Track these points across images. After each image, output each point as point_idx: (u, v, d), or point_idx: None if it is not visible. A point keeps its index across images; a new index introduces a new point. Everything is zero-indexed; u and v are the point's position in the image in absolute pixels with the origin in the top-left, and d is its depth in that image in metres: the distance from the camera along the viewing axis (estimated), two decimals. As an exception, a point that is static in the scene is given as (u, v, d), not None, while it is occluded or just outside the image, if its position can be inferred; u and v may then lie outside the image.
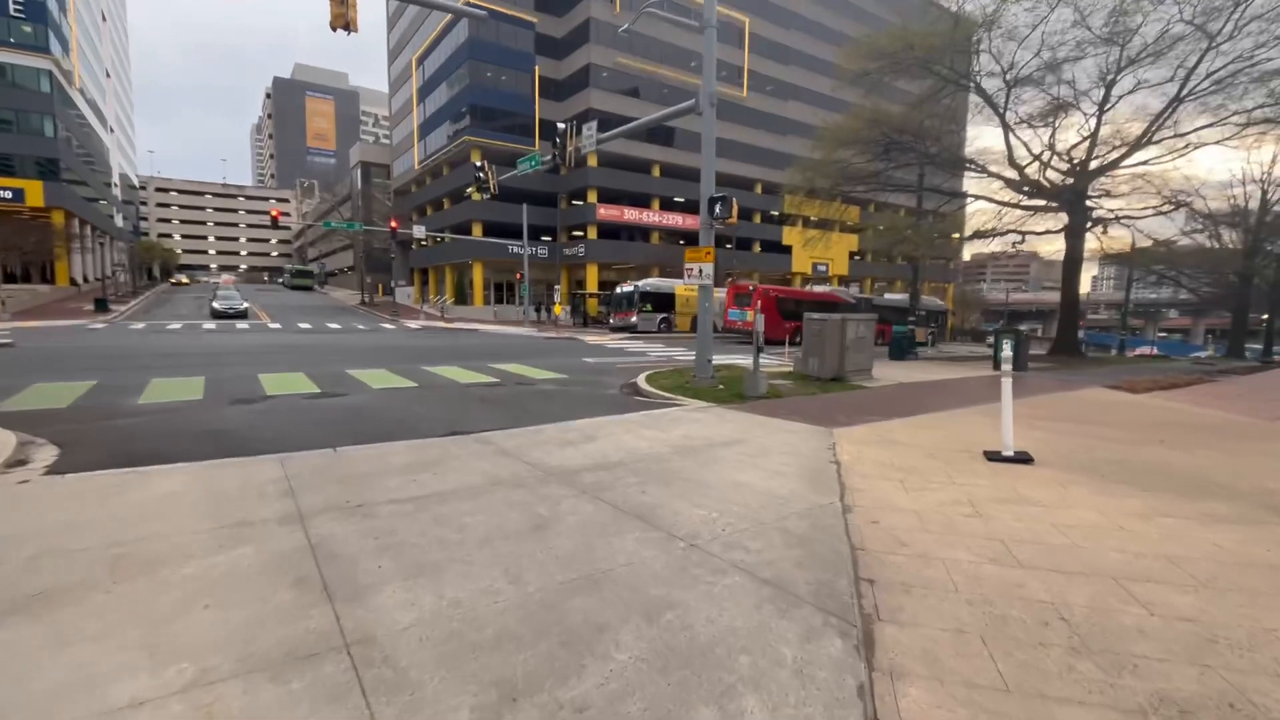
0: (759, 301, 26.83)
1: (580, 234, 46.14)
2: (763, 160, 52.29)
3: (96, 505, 4.30)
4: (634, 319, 30.95)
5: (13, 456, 5.59)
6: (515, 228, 38.43)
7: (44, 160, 42.10)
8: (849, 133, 21.27)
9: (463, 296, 46.33)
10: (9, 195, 39.51)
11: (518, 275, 38.46)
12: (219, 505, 4.37)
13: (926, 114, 22.37)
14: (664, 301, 31.94)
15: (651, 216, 47.03)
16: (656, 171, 47.85)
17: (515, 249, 38.55)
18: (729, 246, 50.68)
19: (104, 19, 65.66)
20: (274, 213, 28.47)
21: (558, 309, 29.14)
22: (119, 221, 67.25)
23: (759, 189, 53.43)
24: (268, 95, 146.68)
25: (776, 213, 52.38)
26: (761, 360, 16.29)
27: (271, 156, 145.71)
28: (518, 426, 7.61)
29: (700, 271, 10.67)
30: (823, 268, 55.25)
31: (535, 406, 9.45)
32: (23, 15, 40.91)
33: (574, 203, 46.40)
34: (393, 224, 32.38)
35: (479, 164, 18.20)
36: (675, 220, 48.26)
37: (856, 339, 12.09)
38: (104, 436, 6.81)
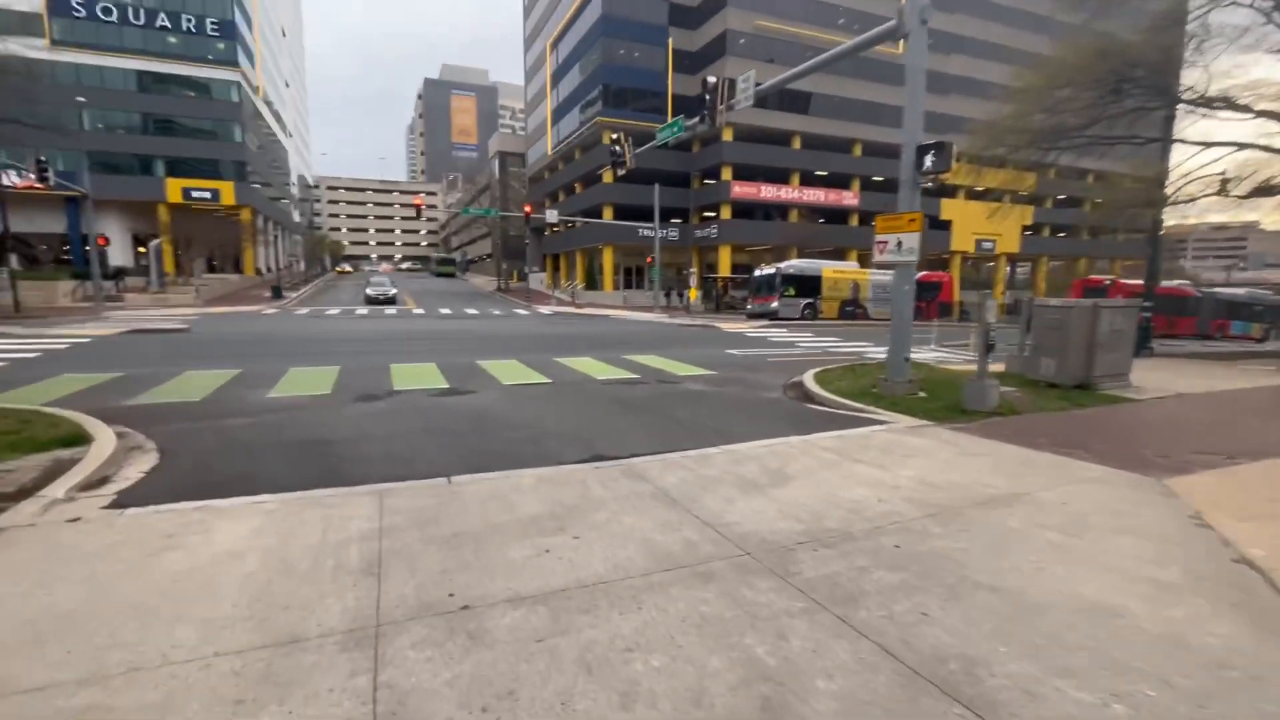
0: (1118, 298, 25.11)
1: (713, 214, 43.85)
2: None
3: (128, 575, 3.08)
4: (774, 304, 28.30)
5: (95, 474, 4.75)
6: (646, 210, 37.05)
7: (235, 163, 47.45)
8: (1064, 73, 17.06)
9: (593, 281, 46.06)
10: (208, 195, 44.92)
11: (648, 259, 37.12)
12: (277, 586, 2.98)
13: (1167, 42, 17.46)
14: (808, 285, 28.91)
15: (790, 193, 43.53)
16: (796, 143, 44.15)
17: (645, 232, 37.23)
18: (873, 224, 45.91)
19: (284, 34, 73.34)
20: (417, 201, 29.30)
21: (693, 293, 27.12)
22: (296, 217, 75.43)
23: (914, 158, 47.70)
24: (419, 97, 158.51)
25: (932, 183, 46.53)
26: (956, 358, 13.36)
27: (422, 153, 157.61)
28: (672, 449, 5.85)
29: (899, 245, 8.22)
30: (989, 244, 48.41)
31: (686, 414, 7.65)
32: (217, 34, 46.11)
33: (706, 181, 44.13)
34: (527, 209, 32.28)
35: (615, 137, 16.74)
36: (817, 196, 44.38)
37: (1111, 334, 8.97)
38: (210, 442, 5.99)
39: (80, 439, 5.58)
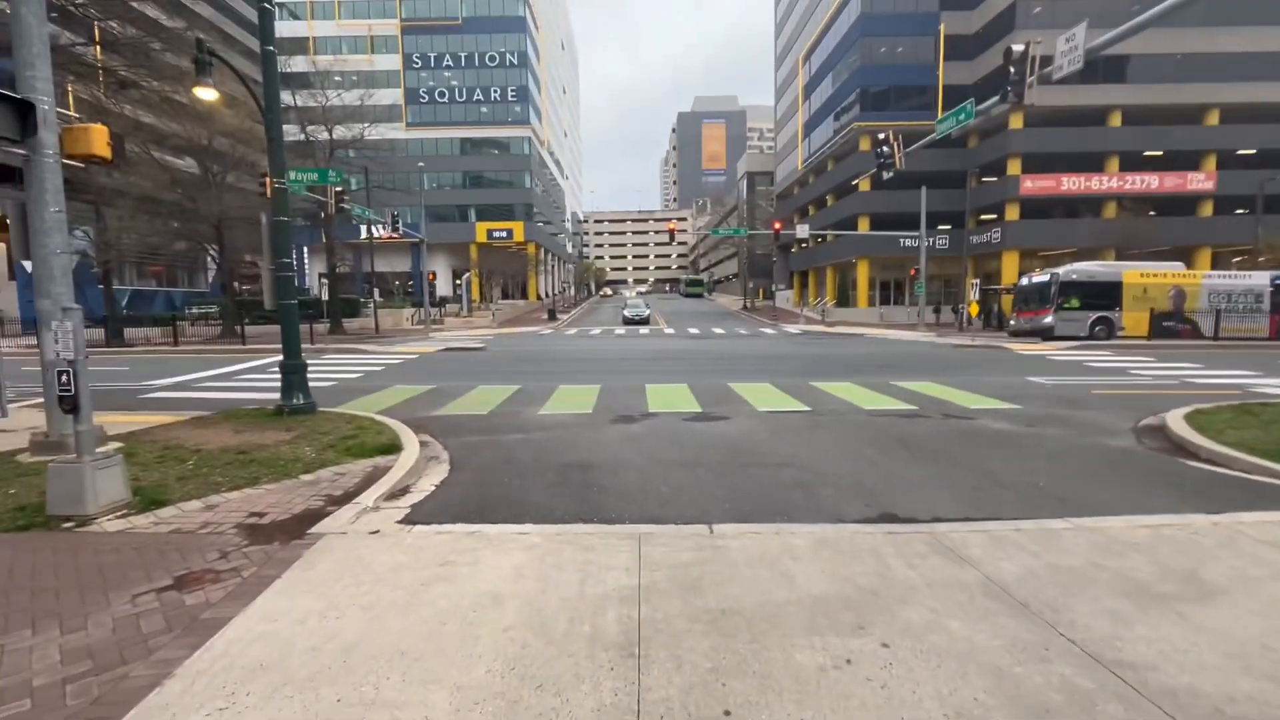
0: None
1: (994, 216, 37.86)
2: (1318, 72, 34.00)
3: (403, 607, 3.05)
4: (1048, 319, 22.81)
5: (399, 484, 5.23)
6: (908, 218, 33.53)
7: (524, 206, 55.94)
8: None
9: (844, 298, 43.21)
10: (505, 235, 53.73)
11: (911, 271, 33.42)
12: (532, 652, 2.63)
13: None
14: (1101, 294, 22.66)
15: (1106, 182, 35.36)
16: (1115, 119, 35.80)
17: (908, 242, 33.59)
18: (1243, 212, 34.73)
19: (564, 91, 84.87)
20: (670, 226, 30.72)
21: (973, 308, 22.79)
22: (569, 249, 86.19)
23: (1311, 117, 35.12)
24: (673, 130, 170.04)
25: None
26: None
27: (675, 182, 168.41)
28: (989, 515, 4.48)
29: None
30: None
31: (996, 465, 6.00)
32: (515, 99, 55.22)
33: (986, 179, 38.30)
34: (775, 226, 31.56)
35: (883, 137, 15.05)
36: (1147, 182, 35.31)
37: None
38: (490, 457, 6.39)
39: (394, 447, 6.34)
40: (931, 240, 33.43)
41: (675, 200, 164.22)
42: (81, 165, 5.95)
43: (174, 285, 41.45)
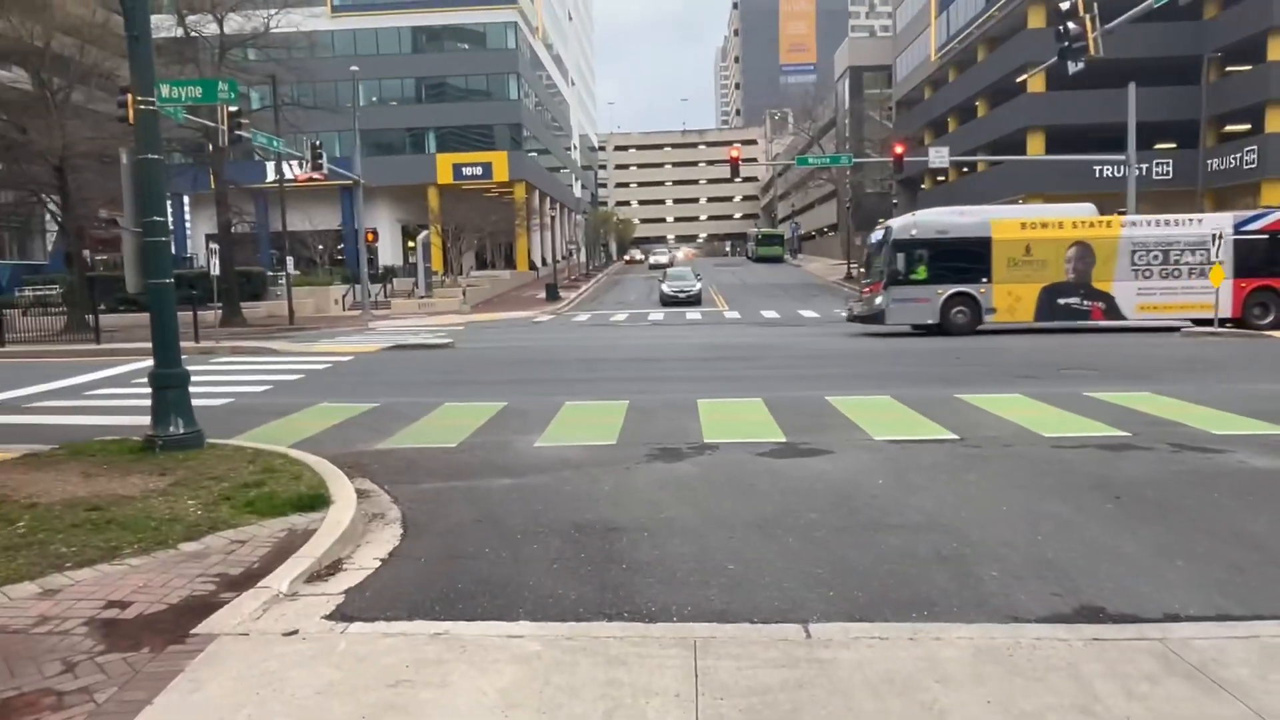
0: None
1: (1246, 127, 36.93)
2: None
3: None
4: (879, 300, 22.43)
5: (328, 556, 5.30)
6: (1107, 134, 32.78)
7: (509, 127, 56.61)
8: None
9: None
10: (479, 171, 54.45)
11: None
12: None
13: None
14: (957, 257, 21.96)
15: None
16: None
17: (1108, 170, 32.95)
18: None
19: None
20: (732, 154, 30.70)
21: (1216, 274, 21.74)
22: (577, 191, 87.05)
23: None
24: (734, 6, 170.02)
25: None
26: None
27: (737, 87, 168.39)
28: (1256, 611, 4.36)
29: None
30: None
31: (1262, 527, 5.87)
32: (493, -37, 55.97)
33: (1231, 69, 37.30)
34: (896, 150, 31.19)
35: (1067, 4, 14.78)
36: None
37: None
38: (462, 515, 6.50)
39: (319, 500, 6.45)
40: (1144, 167, 32.75)
41: (739, 114, 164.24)
42: None
43: (-2, 256, 43.12)
